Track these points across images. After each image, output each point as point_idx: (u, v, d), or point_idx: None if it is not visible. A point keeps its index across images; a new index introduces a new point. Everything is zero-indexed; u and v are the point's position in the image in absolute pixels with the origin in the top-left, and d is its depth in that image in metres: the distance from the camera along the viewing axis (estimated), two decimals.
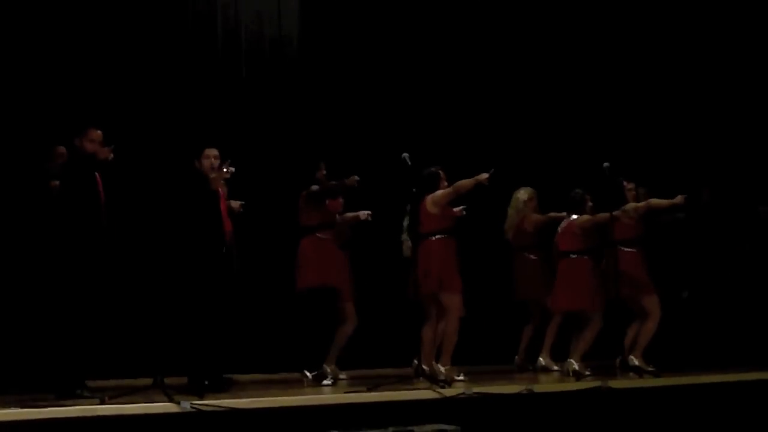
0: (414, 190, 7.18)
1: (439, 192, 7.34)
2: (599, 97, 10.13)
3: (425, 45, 9.65)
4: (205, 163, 6.79)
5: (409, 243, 7.37)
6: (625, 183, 8.07)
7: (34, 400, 5.56)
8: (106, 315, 6.65)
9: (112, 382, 6.79)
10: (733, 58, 9.99)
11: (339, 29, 9.34)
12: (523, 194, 8.46)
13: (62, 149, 6.96)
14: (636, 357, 7.81)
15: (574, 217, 8.02)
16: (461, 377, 7.40)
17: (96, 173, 6.39)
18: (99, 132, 6.49)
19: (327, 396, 6.16)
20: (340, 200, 7.69)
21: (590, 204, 8.03)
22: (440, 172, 7.50)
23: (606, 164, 7.82)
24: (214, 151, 6.83)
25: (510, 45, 9.98)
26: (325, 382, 7.22)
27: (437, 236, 7.32)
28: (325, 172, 7.45)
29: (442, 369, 7.27)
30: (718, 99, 10.03)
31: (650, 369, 7.62)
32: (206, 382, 6.39)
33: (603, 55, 10.18)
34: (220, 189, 6.81)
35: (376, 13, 9.50)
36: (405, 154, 6.97)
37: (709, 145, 9.89)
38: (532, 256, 8.45)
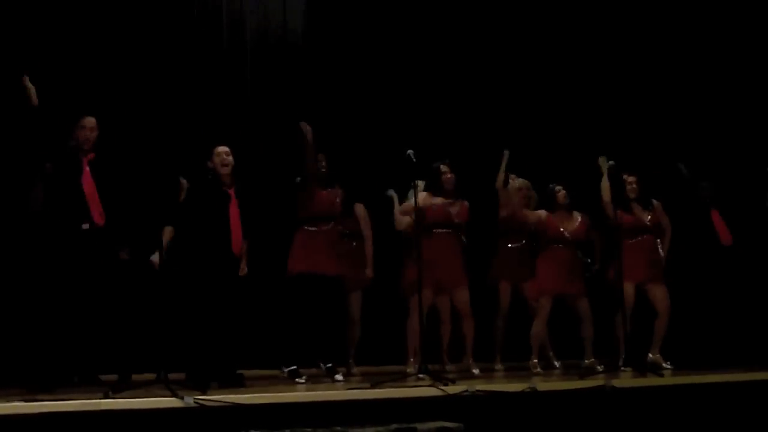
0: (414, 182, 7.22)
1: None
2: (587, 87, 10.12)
3: (431, 39, 9.63)
4: (216, 160, 6.83)
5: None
6: (624, 176, 8.01)
7: (15, 394, 5.54)
8: (108, 311, 6.66)
9: (116, 377, 6.78)
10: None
11: (344, 23, 9.34)
12: (520, 183, 8.25)
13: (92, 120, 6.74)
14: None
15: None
16: (476, 371, 7.51)
17: (83, 160, 6.40)
18: (91, 119, 6.49)
19: (330, 392, 6.14)
20: (339, 192, 7.51)
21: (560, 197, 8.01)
22: (441, 167, 7.53)
23: (611, 162, 7.81)
24: (224, 148, 6.87)
25: (514, 40, 9.98)
26: (337, 377, 7.22)
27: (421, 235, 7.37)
28: (324, 164, 7.42)
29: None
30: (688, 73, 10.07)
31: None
32: (213, 378, 6.36)
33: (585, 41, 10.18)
34: (231, 193, 6.82)
35: (381, 6, 9.49)
36: (410, 151, 6.94)
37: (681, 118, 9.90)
38: (514, 244, 8.30)
